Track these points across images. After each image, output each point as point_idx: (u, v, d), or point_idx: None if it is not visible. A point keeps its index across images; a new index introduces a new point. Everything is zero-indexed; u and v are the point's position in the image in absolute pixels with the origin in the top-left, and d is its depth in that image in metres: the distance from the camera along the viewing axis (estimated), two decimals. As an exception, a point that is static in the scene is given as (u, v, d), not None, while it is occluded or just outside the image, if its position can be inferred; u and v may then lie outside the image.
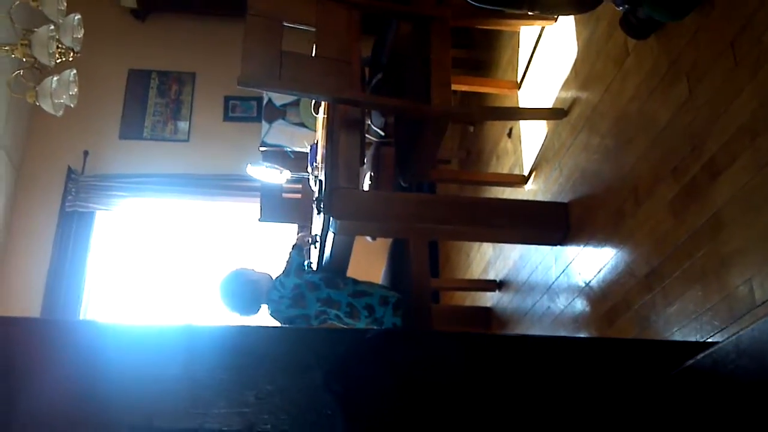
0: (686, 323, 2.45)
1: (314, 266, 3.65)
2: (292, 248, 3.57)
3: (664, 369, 1.22)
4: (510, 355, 1.28)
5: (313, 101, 4.24)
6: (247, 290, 3.41)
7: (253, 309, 3.43)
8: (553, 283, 3.55)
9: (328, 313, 3.38)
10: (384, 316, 3.33)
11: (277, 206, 4.79)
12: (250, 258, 6.10)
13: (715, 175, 2.32)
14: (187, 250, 6.27)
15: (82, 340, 1.28)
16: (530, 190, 3.94)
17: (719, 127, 2.30)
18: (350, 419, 1.15)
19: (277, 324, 3.43)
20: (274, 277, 3.47)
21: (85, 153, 6.10)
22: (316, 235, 3.60)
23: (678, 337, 2.47)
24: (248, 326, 1.31)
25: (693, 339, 2.39)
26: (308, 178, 4.17)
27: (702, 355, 1.14)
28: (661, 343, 1.76)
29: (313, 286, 3.39)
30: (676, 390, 1.19)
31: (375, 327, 3.35)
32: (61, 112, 4.19)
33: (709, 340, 2.30)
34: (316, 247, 3.61)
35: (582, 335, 3.24)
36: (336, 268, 3.53)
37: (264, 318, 3.47)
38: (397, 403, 1.20)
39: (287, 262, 3.52)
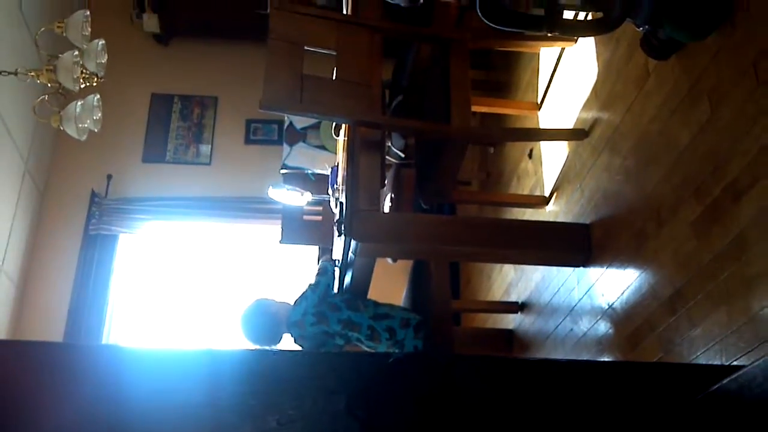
0: (711, 346, 2.42)
1: (335, 289, 3.66)
2: (323, 261, 3.65)
3: (690, 393, 1.20)
4: (533, 380, 1.27)
5: (334, 124, 4.26)
6: (267, 321, 3.43)
7: (275, 339, 3.44)
8: (576, 305, 3.53)
9: (350, 336, 3.37)
10: (405, 338, 3.32)
11: (298, 229, 4.80)
12: (271, 280, 6.12)
13: (737, 196, 2.30)
14: (209, 272, 6.29)
15: (105, 364, 1.29)
16: (551, 212, 3.92)
17: (741, 148, 2.29)
18: (373, 444, 1.14)
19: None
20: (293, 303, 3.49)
21: (109, 176, 6.16)
22: (336, 259, 3.61)
23: (702, 360, 2.45)
24: (272, 351, 1.31)
25: (718, 362, 2.36)
26: (329, 201, 4.18)
27: (727, 379, 1.12)
28: (686, 367, 1.74)
29: (334, 307, 3.40)
30: (701, 414, 1.18)
31: (396, 349, 3.34)
32: (85, 137, 4.23)
33: (735, 363, 2.27)
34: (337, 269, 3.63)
35: (605, 358, 3.21)
36: (357, 290, 3.53)
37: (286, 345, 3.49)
38: (420, 428, 1.20)
39: (318, 274, 3.59)
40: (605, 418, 1.24)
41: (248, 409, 1.19)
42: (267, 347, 3.43)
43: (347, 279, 3.48)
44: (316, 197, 4.57)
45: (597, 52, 3.45)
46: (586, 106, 3.53)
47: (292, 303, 3.49)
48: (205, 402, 1.20)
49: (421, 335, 3.36)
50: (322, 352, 3.10)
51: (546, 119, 4.13)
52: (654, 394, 1.25)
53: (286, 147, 4.98)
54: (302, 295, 3.46)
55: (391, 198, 3.97)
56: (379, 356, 1.23)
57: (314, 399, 1.20)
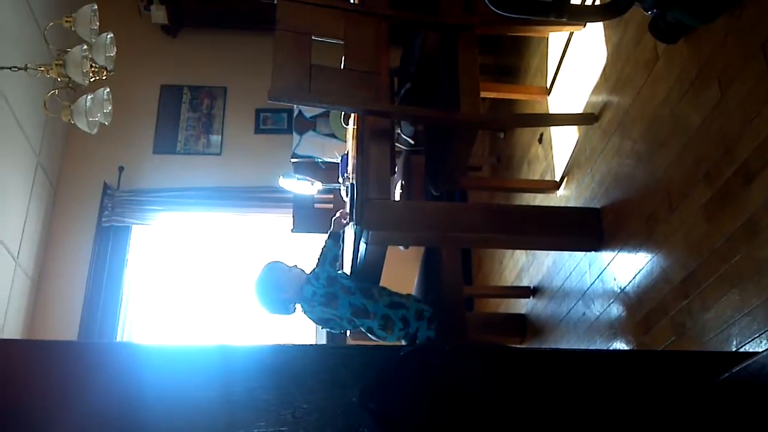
0: (724, 329, 2.42)
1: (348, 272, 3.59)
2: (329, 237, 3.46)
3: (701, 381, 1.21)
4: (545, 370, 1.28)
5: (343, 112, 4.27)
6: (279, 284, 3.30)
7: (286, 307, 3.33)
8: (588, 289, 3.53)
9: (362, 323, 3.29)
10: (418, 330, 3.29)
11: (310, 217, 4.83)
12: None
13: (748, 179, 2.30)
14: (221, 262, 6.32)
15: (118, 361, 1.30)
16: (562, 196, 3.92)
17: (751, 131, 2.28)
18: (386, 437, 1.15)
19: (312, 341, 3.41)
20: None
21: (120, 168, 6.19)
22: (334, 232, 3.50)
23: (715, 342, 2.45)
24: (285, 345, 1.31)
25: (731, 345, 2.36)
26: (340, 189, 4.19)
27: (738, 367, 1.13)
28: (697, 355, 1.74)
29: (347, 290, 3.30)
30: (712, 402, 1.19)
31: (407, 341, 3.30)
32: (95, 130, 4.25)
33: (747, 345, 2.27)
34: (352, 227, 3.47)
35: (618, 342, 3.22)
36: (369, 278, 3.53)
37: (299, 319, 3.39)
38: (433, 420, 1.21)
39: (322, 252, 3.43)
40: (616, 407, 1.25)
41: (262, 403, 1.20)
42: (278, 313, 3.35)
43: (359, 267, 3.48)
44: (327, 185, 4.58)
45: (605, 36, 3.44)
46: (596, 90, 3.52)
47: (307, 272, 3.36)
48: (219, 397, 1.21)
49: (434, 326, 3.33)
50: (334, 346, 3.03)
51: (555, 104, 4.12)
52: (665, 382, 1.26)
53: (295, 136, 5.00)
54: (308, 278, 3.32)
55: (402, 185, 3.98)
56: (390, 348, 1.24)
57: (328, 392, 1.22)
